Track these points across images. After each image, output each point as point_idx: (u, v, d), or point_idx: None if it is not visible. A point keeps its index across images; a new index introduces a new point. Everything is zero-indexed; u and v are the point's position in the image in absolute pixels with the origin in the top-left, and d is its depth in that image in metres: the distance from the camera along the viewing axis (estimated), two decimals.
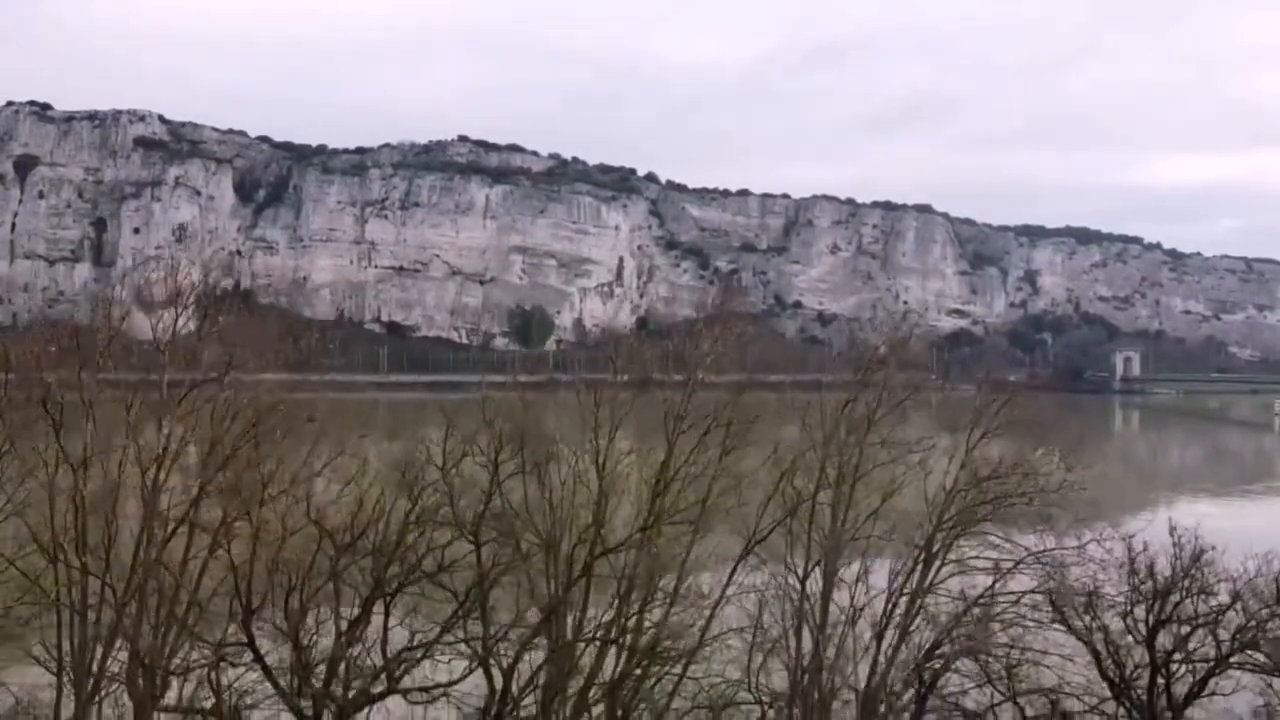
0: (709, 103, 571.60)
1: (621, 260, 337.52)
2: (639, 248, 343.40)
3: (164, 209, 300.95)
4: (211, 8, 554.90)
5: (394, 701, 30.55)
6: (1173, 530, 30.81)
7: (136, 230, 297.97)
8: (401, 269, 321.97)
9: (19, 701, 33.14)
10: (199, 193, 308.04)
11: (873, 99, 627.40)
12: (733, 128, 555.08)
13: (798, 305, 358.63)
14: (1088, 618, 30.29)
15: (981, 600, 30.84)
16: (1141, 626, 29.94)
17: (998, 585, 33.23)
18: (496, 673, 30.59)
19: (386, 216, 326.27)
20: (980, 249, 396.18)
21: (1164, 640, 30.36)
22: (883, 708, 28.69)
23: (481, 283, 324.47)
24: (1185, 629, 30.83)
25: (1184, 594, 29.79)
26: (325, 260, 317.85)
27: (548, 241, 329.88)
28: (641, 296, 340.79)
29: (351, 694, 28.15)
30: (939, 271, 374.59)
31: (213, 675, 28.17)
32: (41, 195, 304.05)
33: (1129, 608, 29.93)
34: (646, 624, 31.86)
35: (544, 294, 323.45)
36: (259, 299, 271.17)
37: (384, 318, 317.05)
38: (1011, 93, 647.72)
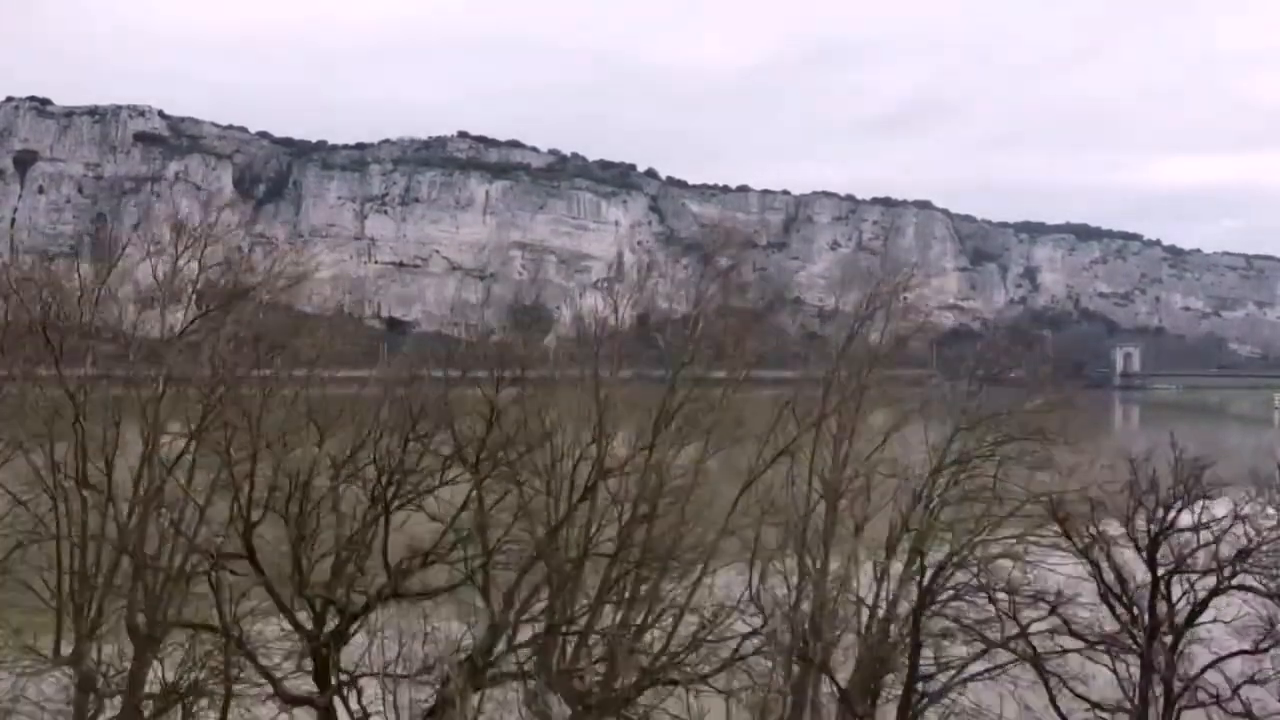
0: (710, 102, 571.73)
1: (621, 256, 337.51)
2: (639, 243, 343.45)
3: (164, 205, 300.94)
4: (212, 4, 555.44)
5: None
6: (1174, 444, 30.76)
7: (136, 226, 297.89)
8: (401, 264, 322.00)
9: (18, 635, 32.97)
10: (199, 188, 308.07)
11: (874, 99, 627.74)
12: (733, 127, 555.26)
13: (798, 301, 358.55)
14: (1090, 531, 30.23)
15: (983, 515, 30.80)
16: (1143, 538, 29.85)
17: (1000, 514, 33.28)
18: (497, 594, 30.57)
19: (386, 212, 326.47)
20: (980, 245, 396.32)
21: (1165, 554, 30.28)
22: (882, 612, 28.68)
23: (481, 278, 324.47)
24: (1187, 541, 30.77)
25: (1186, 499, 29.71)
26: (325, 256, 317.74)
27: (547, 237, 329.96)
28: (641, 292, 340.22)
29: (353, 605, 28.15)
30: (939, 268, 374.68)
31: (213, 579, 28.12)
32: (41, 190, 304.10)
33: (1130, 513, 29.84)
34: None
35: (544, 290, 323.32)
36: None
37: (383, 313, 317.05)
38: (1013, 93, 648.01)
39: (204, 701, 30.12)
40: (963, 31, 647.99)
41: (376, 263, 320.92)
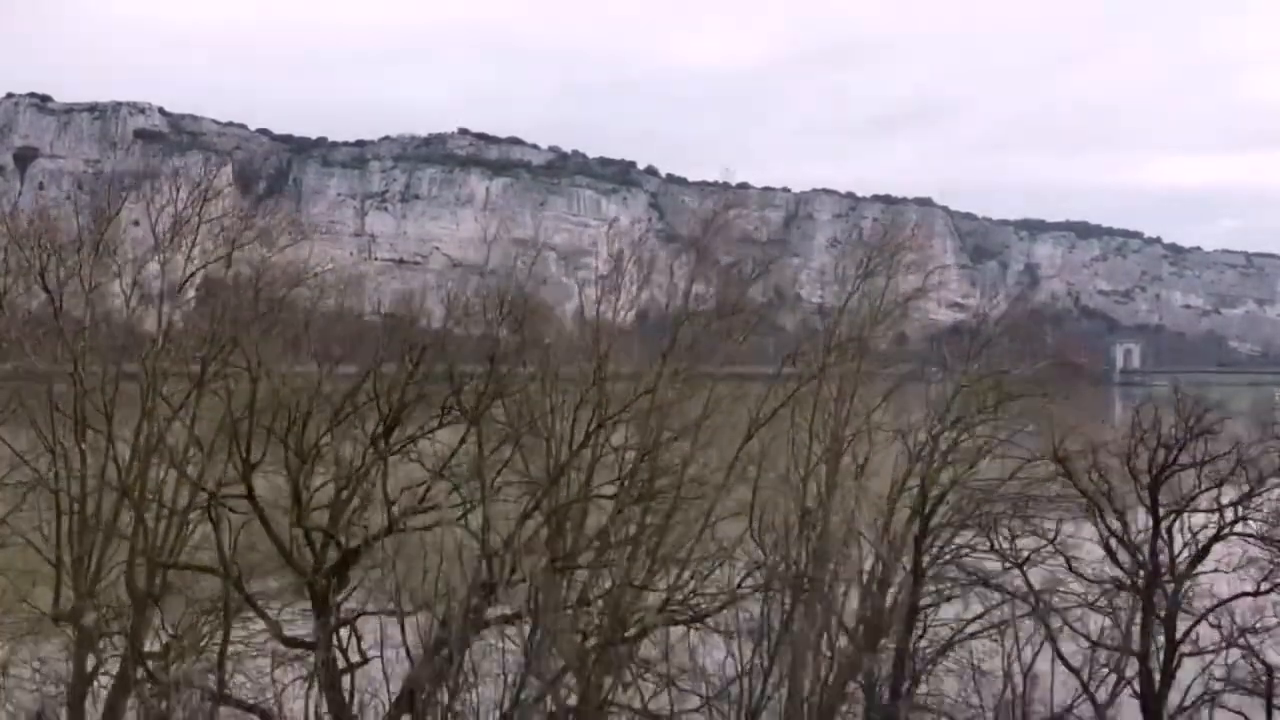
0: (711, 101, 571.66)
1: (621, 253, 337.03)
2: (639, 240, 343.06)
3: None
4: (213, 2, 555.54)
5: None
6: (1176, 390, 30.70)
7: (136, 222, 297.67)
8: (401, 261, 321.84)
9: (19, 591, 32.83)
10: (199, 185, 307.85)
11: (875, 99, 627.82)
12: (734, 126, 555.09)
13: (798, 298, 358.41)
14: (1092, 476, 30.17)
15: (984, 450, 30.66)
16: (1144, 478, 29.76)
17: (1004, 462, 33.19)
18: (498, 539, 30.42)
19: (386, 209, 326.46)
20: (980, 242, 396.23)
21: (1166, 498, 30.21)
22: (885, 548, 28.56)
23: (481, 275, 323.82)
24: (1190, 489, 30.74)
25: (1188, 434, 29.63)
26: (325, 252, 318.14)
27: (548, 234, 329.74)
28: (641, 290, 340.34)
29: (352, 542, 28.02)
30: (939, 266, 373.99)
31: (213, 515, 27.99)
32: (41, 187, 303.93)
33: (1130, 451, 29.76)
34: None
35: (544, 286, 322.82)
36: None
37: (383, 309, 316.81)
38: (1013, 93, 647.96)
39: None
40: (963, 32, 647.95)
41: (376, 259, 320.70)
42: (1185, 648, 31.90)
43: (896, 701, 28.78)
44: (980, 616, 32.19)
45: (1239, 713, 33.76)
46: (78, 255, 35.46)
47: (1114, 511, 30.00)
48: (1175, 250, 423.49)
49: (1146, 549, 30.03)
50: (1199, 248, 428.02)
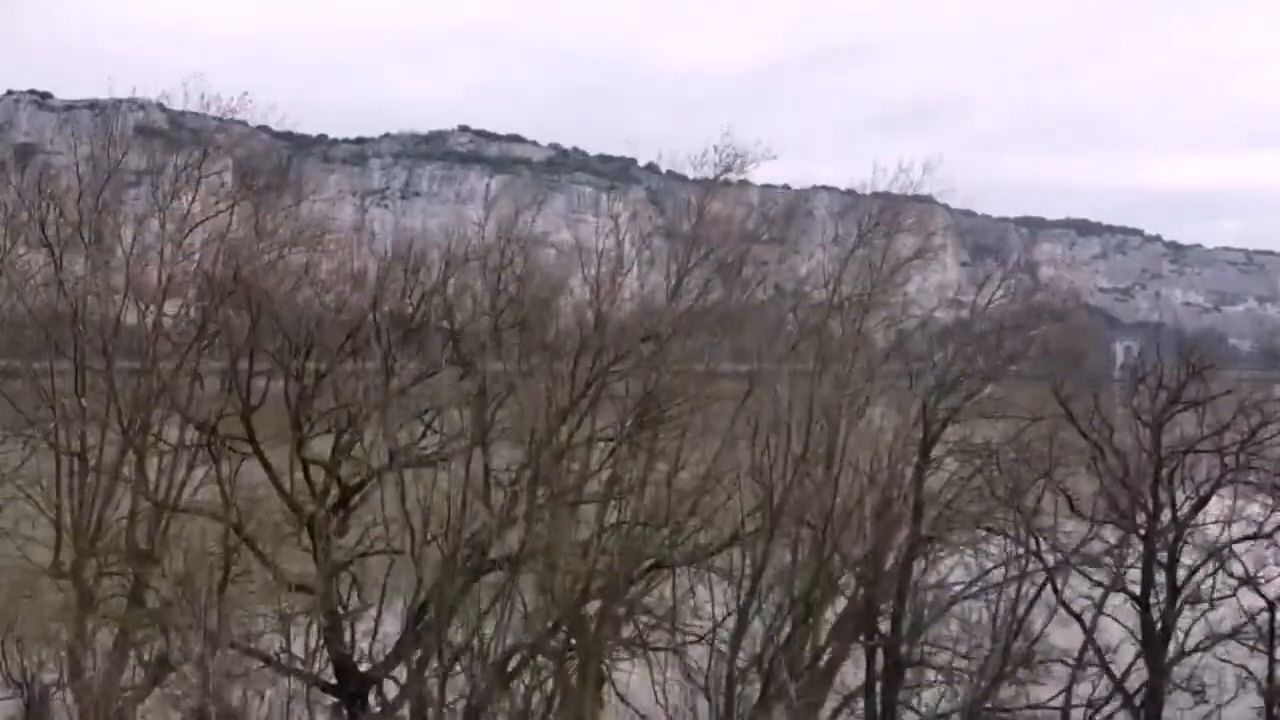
0: (713, 101, 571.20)
1: (622, 249, 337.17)
2: (639, 236, 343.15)
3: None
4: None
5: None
6: (1178, 331, 30.62)
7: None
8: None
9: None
10: (199, 181, 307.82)
11: (878, 100, 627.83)
12: (734, 124, 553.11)
13: (798, 294, 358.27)
14: (1093, 421, 30.13)
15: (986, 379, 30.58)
16: (1146, 417, 29.71)
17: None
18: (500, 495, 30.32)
19: (387, 206, 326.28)
20: (980, 240, 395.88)
21: (1168, 443, 30.15)
22: (885, 476, 28.47)
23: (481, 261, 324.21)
24: (1192, 436, 30.69)
25: (1189, 374, 29.58)
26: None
27: (548, 230, 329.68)
28: (642, 286, 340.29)
29: (354, 480, 27.97)
30: (939, 261, 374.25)
31: (214, 449, 27.92)
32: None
33: (1133, 391, 29.73)
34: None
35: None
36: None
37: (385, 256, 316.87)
38: (1015, 94, 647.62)
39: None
40: (964, 32, 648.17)
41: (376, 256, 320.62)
42: (1187, 594, 31.84)
43: (898, 637, 28.68)
44: (984, 574, 32.14)
45: (1241, 666, 33.72)
46: (78, 206, 35.52)
47: (1115, 453, 29.95)
48: (1175, 248, 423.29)
49: (1148, 491, 29.94)
50: (1199, 245, 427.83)
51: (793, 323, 37.08)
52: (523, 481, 28.83)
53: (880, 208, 44.84)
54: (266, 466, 28.62)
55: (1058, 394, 29.91)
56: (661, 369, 31.18)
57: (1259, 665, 33.55)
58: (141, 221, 38.29)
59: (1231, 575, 30.28)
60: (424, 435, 28.89)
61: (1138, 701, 31.18)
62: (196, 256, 35.68)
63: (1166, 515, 31.79)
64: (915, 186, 39.39)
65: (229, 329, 28.14)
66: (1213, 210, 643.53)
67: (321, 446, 29.55)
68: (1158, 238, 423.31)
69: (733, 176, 38.55)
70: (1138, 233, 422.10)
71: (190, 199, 37.45)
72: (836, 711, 31.53)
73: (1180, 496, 32.20)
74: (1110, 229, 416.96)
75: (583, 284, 39.48)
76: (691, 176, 38.25)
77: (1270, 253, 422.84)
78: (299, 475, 28.11)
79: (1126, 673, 31.34)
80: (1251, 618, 33.06)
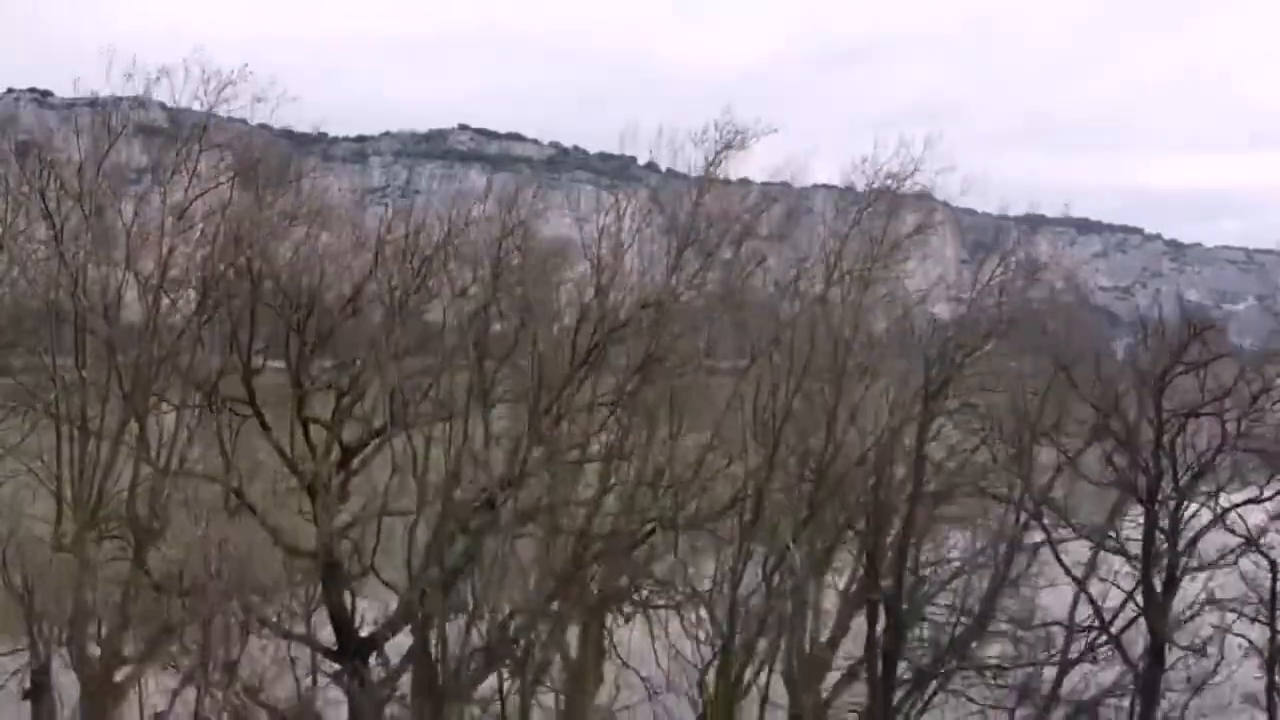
0: (714, 101, 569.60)
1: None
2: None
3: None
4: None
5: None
6: (1179, 297, 30.59)
7: (136, 214, 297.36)
8: None
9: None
10: (198, 178, 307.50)
11: (879, 99, 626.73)
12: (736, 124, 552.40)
13: (797, 291, 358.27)
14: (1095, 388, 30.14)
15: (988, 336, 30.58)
16: (1148, 378, 29.71)
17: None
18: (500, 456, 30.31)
19: (387, 204, 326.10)
20: (981, 238, 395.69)
21: (1170, 404, 30.13)
22: (888, 434, 28.51)
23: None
24: (1193, 401, 30.68)
25: (1191, 335, 29.59)
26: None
27: (547, 228, 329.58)
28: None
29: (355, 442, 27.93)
30: (939, 258, 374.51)
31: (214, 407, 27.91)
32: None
33: (1136, 352, 29.76)
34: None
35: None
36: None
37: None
38: (1015, 94, 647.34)
39: None
40: (964, 33, 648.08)
41: None
42: (1189, 560, 31.81)
43: (899, 596, 28.69)
44: (982, 550, 32.12)
45: (1242, 636, 33.73)
46: (78, 178, 35.56)
47: (1117, 416, 29.96)
48: (1175, 246, 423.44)
49: (1149, 455, 29.91)
50: (1199, 244, 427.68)
51: (792, 297, 36.79)
52: (524, 442, 28.81)
53: (881, 187, 44.63)
54: (266, 429, 28.59)
55: (1058, 359, 29.94)
56: (662, 333, 31.27)
57: (1260, 635, 33.56)
58: (142, 198, 38.41)
59: (1234, 534, 30.23)
60: (425, 395, 28.89)
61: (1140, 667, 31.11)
62: (199, 227, 35.75)
63: (1168, 485, 31.78)
64: (917, 162, 38.98)
65: (229, 292, 28.10)
66: (1213, 209, 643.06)
67: (322, 410, 29.55)
68: (1158, 236, 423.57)
69: (734, 152, 38.12)
70: (1138, 231, 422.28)
71: (191, 172, 37.54)
72: (842, 679, 31.48)
73: (1182, 463, 32.13)
74: (1110, 227, 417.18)
75: (583, 258, 39.41)
76: (693, 175, 37.78)
77: (1271, 251, 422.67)
78: (300, 438, 28.07)
79: (1123, 629, 31.29)
80: (1252, 586, 33.05)
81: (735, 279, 39.07)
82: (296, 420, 27.67)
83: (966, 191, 40.45)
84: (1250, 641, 33.63)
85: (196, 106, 35.39)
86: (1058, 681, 30.54)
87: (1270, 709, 30.88)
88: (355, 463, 28.88)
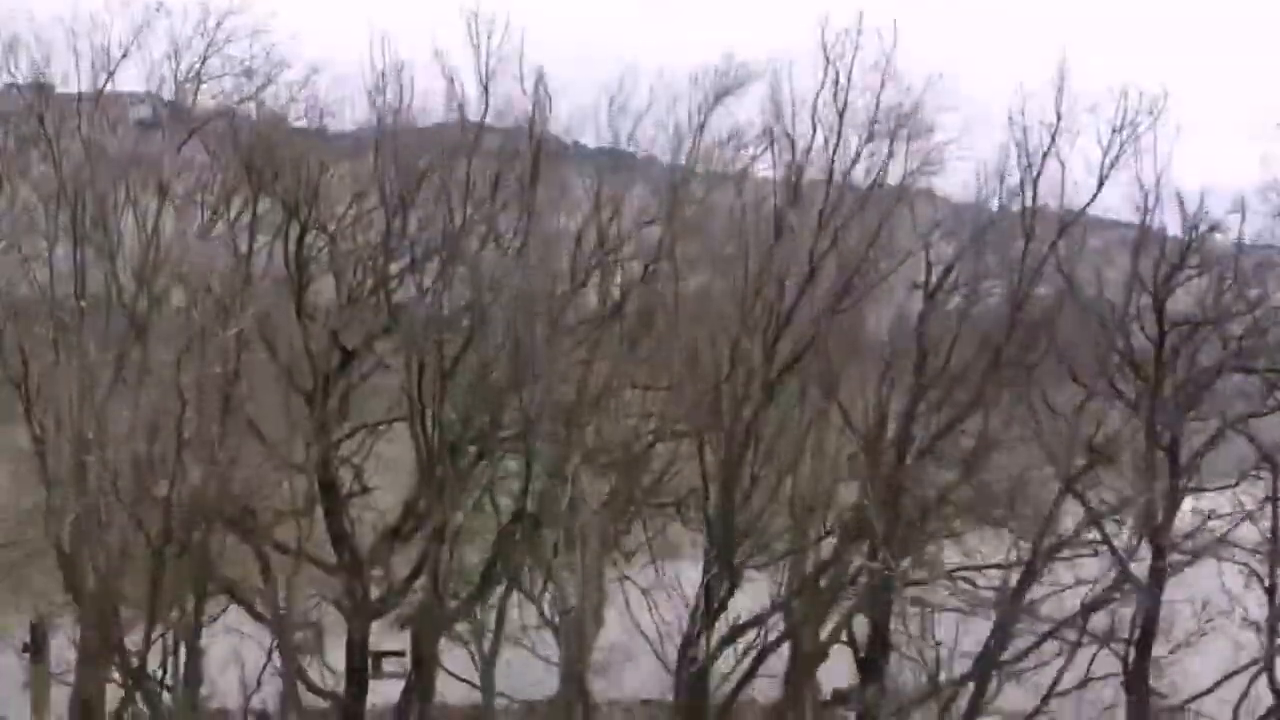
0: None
1: (623, 241, 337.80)
2: (639, 229, 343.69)
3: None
4: None
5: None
6: (1180, 198, 30.32)
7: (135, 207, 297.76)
8: None
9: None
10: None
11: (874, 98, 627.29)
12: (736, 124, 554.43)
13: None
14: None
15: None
16: (1149, 282, 29.51)
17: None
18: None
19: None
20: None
21: (1172, 319, 29.91)
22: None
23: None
24: (1193, 316, 30.52)
25: (1191, 240, 29.40)
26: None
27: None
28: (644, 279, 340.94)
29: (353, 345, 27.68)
30: (938, 255, 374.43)
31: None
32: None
33: (1137, 254, 29.61)
34: None
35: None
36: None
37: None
38: (1014, 91, 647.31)
39: None
40: (965, 34, 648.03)
41: None
42: (1189, 482, 31.49)
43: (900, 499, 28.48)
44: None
45: (1243, 564, 33.39)
46: (77, 105, 35.51)
47: (1116, 324, 29.79)
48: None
49: (1150, 365, 29.58)
50: None
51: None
52: (525, 354, 28.73)
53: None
54: (267, 345, 28.32)
55: (1060, 263, 29.85)
56: (664, 257, 31.40)
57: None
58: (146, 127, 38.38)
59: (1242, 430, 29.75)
60: (424, 299, 28.69)
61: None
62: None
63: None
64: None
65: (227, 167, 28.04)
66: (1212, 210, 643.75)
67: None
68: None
69: (732, 86, 37.50)
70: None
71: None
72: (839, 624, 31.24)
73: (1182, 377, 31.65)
74: (1110, 225, 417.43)
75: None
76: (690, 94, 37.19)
77: (1271, 247, 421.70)
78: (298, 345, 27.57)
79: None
80: (1249, 514, 32.61)
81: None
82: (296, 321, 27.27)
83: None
84: (1253, 569, 32.96)
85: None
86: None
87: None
88: (354, 365, 28.28)
